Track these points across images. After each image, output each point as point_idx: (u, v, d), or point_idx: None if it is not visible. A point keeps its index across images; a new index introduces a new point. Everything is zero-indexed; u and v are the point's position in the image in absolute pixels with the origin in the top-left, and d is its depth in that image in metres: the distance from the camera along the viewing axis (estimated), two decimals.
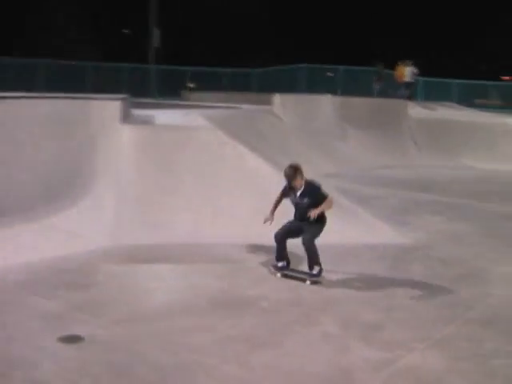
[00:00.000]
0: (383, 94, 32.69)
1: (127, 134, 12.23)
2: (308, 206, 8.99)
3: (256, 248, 10.53)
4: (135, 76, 35.48)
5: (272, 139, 18.76)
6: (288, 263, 9.51)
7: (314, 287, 8.98)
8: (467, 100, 35.92)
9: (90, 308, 7.84)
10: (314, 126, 22.53)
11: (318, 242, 9.09)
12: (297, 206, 9.25)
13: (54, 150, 11.60)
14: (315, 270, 9.14)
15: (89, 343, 6.76)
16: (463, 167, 23.18)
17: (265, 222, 9.30)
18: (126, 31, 53.92)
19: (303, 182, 9.12)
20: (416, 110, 27.84)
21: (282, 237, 9.29)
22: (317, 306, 8.24)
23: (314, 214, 8.83)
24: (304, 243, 9.01)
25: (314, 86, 34.30)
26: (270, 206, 9.40)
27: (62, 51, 38.39)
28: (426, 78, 35.92)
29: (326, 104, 24.20)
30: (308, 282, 9.11)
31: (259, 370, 6.34)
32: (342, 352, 6.81)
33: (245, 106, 21.66)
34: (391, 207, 14.73)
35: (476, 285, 9.42)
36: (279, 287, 8.98)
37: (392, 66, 33.54)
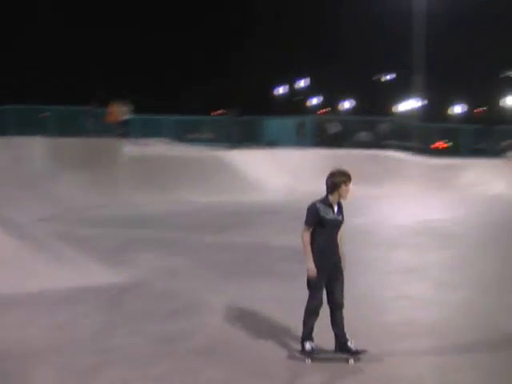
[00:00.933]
0: (97, 133, 32.49)
1: None
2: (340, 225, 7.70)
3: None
4: None
5: None
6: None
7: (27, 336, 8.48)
8: (181, 135, 36.90)
9: None
10: (25, 169, 21.78)
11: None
12: (334, 227, 7.62)
13: None
14: (353, 345, 7.60)
15: None
16: (180, 202, 23.45)
17: (315, 277, 7.43)
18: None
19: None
20: (130, 148, 27.86)
21: (321, 305, 7.62)
22: (28, 356, 7.70)
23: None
24: (340, 304, 7.62)
25: (25, 127, 33.24)
26: (306, 253, 7.55)
27: None
28: (140, 116, 36.31)
29: (36, 146, 23.55)
30: (352, 361, 7.57)
31: None
32: None
33: None
34: (107, 247, 14.53)
35: (191, 317, 9.47)
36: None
37: (106, 104, 33.50)
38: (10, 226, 13.20)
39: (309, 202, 7.62)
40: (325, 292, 7.56)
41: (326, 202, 7.52)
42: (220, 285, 11.46)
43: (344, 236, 7.75)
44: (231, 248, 14.91)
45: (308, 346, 7.60)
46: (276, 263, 13.29)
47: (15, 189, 19.89)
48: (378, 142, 36.59)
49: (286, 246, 14.19)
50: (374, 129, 39.05)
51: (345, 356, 7.58)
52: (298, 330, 7.83)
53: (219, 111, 52.60)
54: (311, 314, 7.56)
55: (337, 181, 7.48)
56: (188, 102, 55.75)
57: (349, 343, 7.56)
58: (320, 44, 67.32)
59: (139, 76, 58.26)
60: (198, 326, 9.02)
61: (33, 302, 9.83)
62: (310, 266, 7.38)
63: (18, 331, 8.70)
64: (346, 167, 7.71)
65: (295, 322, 8.10)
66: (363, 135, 38.00)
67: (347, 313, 7.66)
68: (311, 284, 7.45)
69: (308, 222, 7.51)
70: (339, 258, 7.60)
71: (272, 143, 36.17)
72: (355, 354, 7.55)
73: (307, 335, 7.62)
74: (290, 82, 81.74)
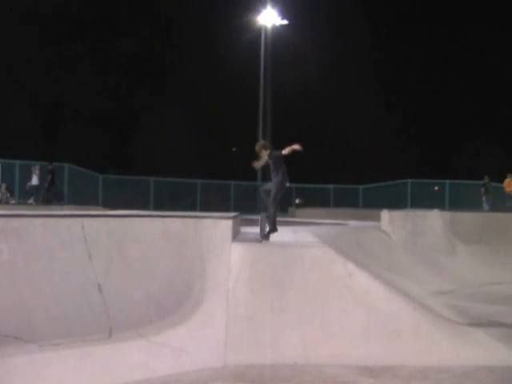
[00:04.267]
0: (492, 207, 32.18)
1: (238, 252, 12.34)
2: None
3: (368, 369, 10.27)
4: (242, 193, 36.23)
5: (379, 255, 18.55)
6: None
7: None
8: None
9: None
10: (422, 241, 22.16)
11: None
12: None
13: (165, 267, 11.82)
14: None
15: None
16: None
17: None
18: (234, 149, 55.43)
19: None
20: None
21: None
22: None
23: None
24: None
25: (421, 201, 34.11)
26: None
27: (173, 169, 39.77)
28: None
29: (434, 219, 23.84)
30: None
31: None
32: None
33: (352, 222, 21.62)
34: (506, 325, 14.08)
35: None
36: None
37: (500, 179, 33.13)
38: (408, 296, 13.58)
39: None
40: None
41: None
42: None
43: None
44: None
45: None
46: None
47: (414, 261, 20.34)
48: None
49: None
50: None
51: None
52: None
53: None
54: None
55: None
56: None
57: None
58: None
59: None
60: None
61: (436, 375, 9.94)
62: None
63: None
64: None
65: None
66: None
67: None
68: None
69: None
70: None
71: None
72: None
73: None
74: None
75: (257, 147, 13.80)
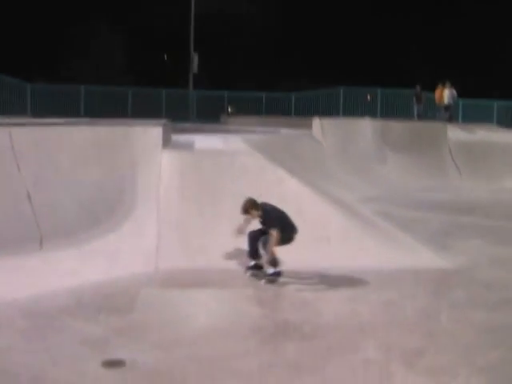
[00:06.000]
0: (423, 116, 32.60)
1: (169, 160, 12.32)
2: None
3: (297, 273, 10.51)
4: (174, 101, 35.85)
5: (311, 163, 18.76)
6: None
7: (354, 311, 8.94)
8: (508, 121, 35.56)
9: (132, 332, 7.88)
10: (353, 149, 22.46)
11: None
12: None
13: (96, 175, 11.75)
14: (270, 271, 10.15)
15: (131, 368, 6.78)
16: (506, 190, 22.76)
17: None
18: (165, 57, 54.54)
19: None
20: (455, 133, 27.56)
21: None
22: (357, 331, 8.15)
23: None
24: None
25: (353, 109, 34.33)
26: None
27: (103, 77, 39.05)
28: (465, 100, 35.70)
29: (365, 127, 24.12)
30: (263, 282, 10.09)
31: None
32: (385, 378, 6.74)
33: (284, 130, 21.71)
34: (431, 230, 14.55)
35: None
36: (320, 311, 8.95)
37: (431, 88, 33.44)
38: (337, 202, 13.84)
39: None
40: None
41: None
42: None
43: None
44: None
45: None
46: None
47: (344, 169, 20.66)
48: None
49: None
50: None
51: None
52: None
53: None
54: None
55: None
56: None
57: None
58: None
59: (464, 58, 56.85)
60: None
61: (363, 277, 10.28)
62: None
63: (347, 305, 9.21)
64: None
65: None
66: None
67: None
68: None
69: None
70: None
71: None
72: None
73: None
74: None
75: (243, 207, 10.38)
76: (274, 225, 10.00)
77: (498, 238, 14.28)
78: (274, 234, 9.87)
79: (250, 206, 10.32)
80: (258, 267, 10.41)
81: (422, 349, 7.59)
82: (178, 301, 9.48)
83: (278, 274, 10.08)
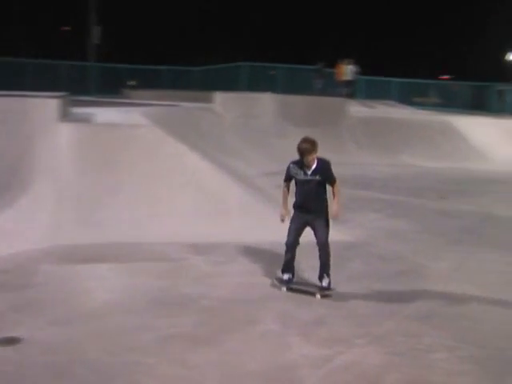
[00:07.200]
0: (324, 92, 32.97)
1: (66, 133, 12.06)
2: (318, 185, 8.36)
3: (196, 246, 10.51)
4: (74, 74, 35.10)
5: (212, 137, 18.74)
6: (293, 275, 8.81)
7: (252, 284, 9.01)
8: (407, 98, 36.51)
9: (28, 309, 7.73)
10: (254, 124, 22.55)
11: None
12: (305, 185, 8.41)
13: None
14: (325, 282, 8.54)
15: (27, 344, 6.65)
16: (403, 165, 23.35)
17: (282, 220, 8.63)
18: (65, 28, 53.34)
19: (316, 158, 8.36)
20: (356, 109, 28.06)
21: (295, 244, 8.60)
22: (255, 304, 8.24)
23: (336, 212, 8.45)
24: (322, 244, 8.48)
25: (255, 84, 34.44)
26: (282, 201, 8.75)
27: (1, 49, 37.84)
28: (366, 77, 36.36)
29: (266, 102, 24.24)
30: (318, 297, 8.49)
31: (200, 369, 6.33)
32: (281, 350, 6.83)
33: (185, 104, 21.59)
34: None
35: (414, 281, 9.54)
36: (218, 285, 8.98)
37: (333, 64, 33.87)
38: (237, 176, 13.89)
39: None
40: None
41: (298, 163, 8.50)
42: (442, 250, 11.40)
43: (338, 191, 8.57)
44: (453, 215, 14.71)
45: (285, 276, 8.73)
46: (502, 234, 13.01)
47: (245, 143, 20.72)
48: None
49: None
50: None
51: (313, 290, 8.59)
52: None
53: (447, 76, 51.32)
54: (286, 250, 8.65)
55: (301, 148, 8.39)
56: (416, 64, 54.84)
57: (323, 280, 8.53)
58: None
59: (367, 36, 57.89)
60: (420, 291, 9.02)
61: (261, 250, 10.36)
62: (280, 212, 8.68)
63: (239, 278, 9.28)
64: None
65: None
66: None
67: None
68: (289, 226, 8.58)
69: (284, 178, 8.74)
70: (315, 213, 8.44)
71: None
72: (323, 289, 8.50)
73: (284, 267, 8.73)
74: None
75: (312, 143, 8.42)
76: (334, 176, 8.49)
77: (394, 211, 14.67)
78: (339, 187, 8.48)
79: (317, 146, 8.39)
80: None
81: (319, 320, 7.73)
82: (75, 276, 9.32)
83: (330, 284, 8.60)
